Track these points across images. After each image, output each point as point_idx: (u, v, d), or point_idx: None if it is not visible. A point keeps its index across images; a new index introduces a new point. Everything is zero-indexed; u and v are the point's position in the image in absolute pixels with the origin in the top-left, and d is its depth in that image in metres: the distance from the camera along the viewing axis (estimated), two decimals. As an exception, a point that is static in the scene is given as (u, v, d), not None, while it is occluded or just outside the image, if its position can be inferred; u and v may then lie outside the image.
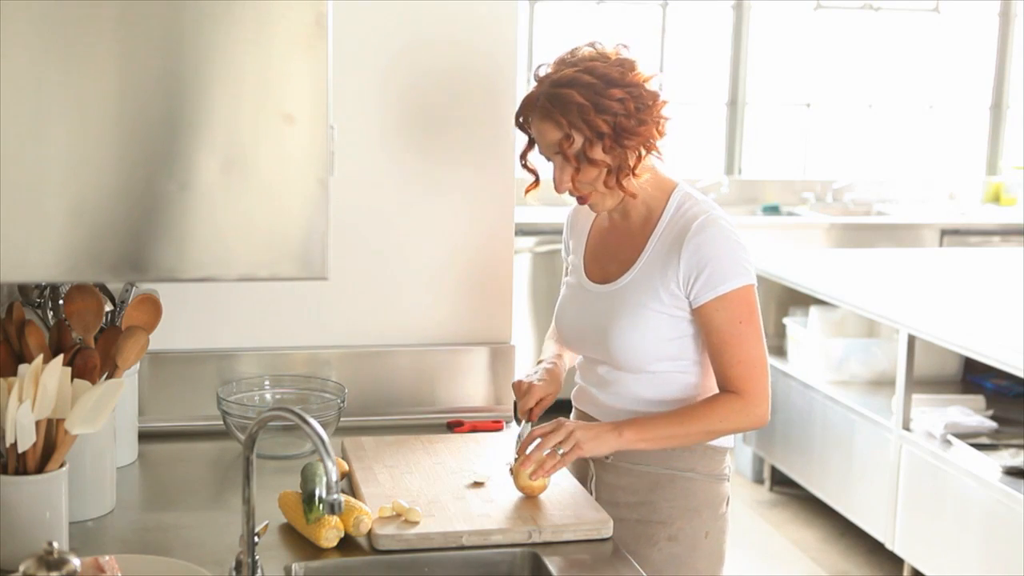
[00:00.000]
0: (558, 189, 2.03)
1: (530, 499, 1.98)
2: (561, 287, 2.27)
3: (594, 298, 2.12)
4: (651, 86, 1.99)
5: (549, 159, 2.05)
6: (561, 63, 2.01)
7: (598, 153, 1.97)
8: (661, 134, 2.01)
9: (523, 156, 2.10)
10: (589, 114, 1.94)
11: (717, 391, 2.06)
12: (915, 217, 6.54)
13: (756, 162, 6.95)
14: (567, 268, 2.27)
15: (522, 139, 2.12)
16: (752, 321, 2.01)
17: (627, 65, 1.99)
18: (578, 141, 1.96)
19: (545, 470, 1.97)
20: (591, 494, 2.09)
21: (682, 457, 2.09)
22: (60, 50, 1.30)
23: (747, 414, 2.01)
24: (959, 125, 7.23)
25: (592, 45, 2.02)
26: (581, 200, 2.06)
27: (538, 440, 1.99)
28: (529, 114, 2.03)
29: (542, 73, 2.02)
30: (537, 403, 2.13)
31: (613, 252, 2.13)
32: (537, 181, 2.11)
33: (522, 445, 2.01)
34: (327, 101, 1.38)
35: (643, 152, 2.01)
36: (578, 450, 1.98)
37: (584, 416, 2.19)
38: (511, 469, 2.03)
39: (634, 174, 2.01)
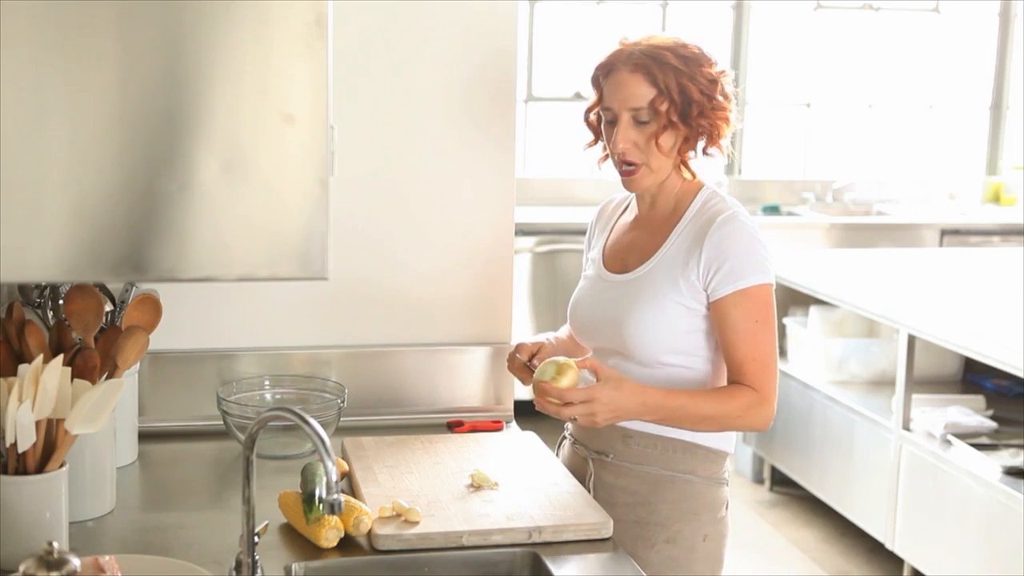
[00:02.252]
0: (615, 148, 2.04)
1: (530, 497, 1.98)
2: (579, 282, 2.27)
3: (611, 287, 2.13)
4: (728, 89, 2.07)
5: (613, 119, 2.05)
6: (652, 36, 2.07)
7: (679, 119, 2.01)
8: (724, 133, 2.08)
9: (588, 112, 2.15)
10: (684, 79, 2.00)
11: None
12: (915, 217, 6.54)
13: (756, 162, 6.95)
14: (586, 264, 2.28)
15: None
16: (768, 321, 2.02)
17: (716, 61, 2.07)
18: (665, 103, 2.00)
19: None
20: (589, 493, 2.09)
21: (682, 459, 2.09)
22: (60, 50, 1.30)
23: (759, 412, 2.02)
24: (959, 125, 7.23)
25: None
26: (629, 169, 2.05)
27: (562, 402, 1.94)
28: (615, 66, 2.04)
29: (628, 40, 2.07)
30: (531, 357, 2.14)
31: (634, 244, 2.15)
32: (597, 140, 2.15)
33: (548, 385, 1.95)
34: (327, 101, 1.38)
35: (709, 138, 2.07)
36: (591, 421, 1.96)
37: None
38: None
39: (706, 152, 2.08)
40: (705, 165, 2.14)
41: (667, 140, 2.03)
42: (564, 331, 2.34)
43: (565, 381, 1.94)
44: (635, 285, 2.09)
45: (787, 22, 6.89)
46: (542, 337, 2.25)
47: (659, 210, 2.13)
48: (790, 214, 6.63)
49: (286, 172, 1.38)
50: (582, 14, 6.49)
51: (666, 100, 2.00)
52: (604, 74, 2.07)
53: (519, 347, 2.17)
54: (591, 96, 2.14)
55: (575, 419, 1.96)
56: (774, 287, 2.05)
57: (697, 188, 2.11)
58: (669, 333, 2.05)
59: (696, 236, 2.04)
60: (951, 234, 6.36)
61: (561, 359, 1.98)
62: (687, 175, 2.10)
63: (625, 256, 2.15)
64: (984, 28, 7.14)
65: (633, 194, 2.20)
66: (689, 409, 2.00)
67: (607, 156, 2.14)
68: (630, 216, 2.20)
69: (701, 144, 2.08)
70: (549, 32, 6.43)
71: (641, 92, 2.01)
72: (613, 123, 2.05)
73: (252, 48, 1.35)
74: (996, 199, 7.14)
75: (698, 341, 2.07)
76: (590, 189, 6.16)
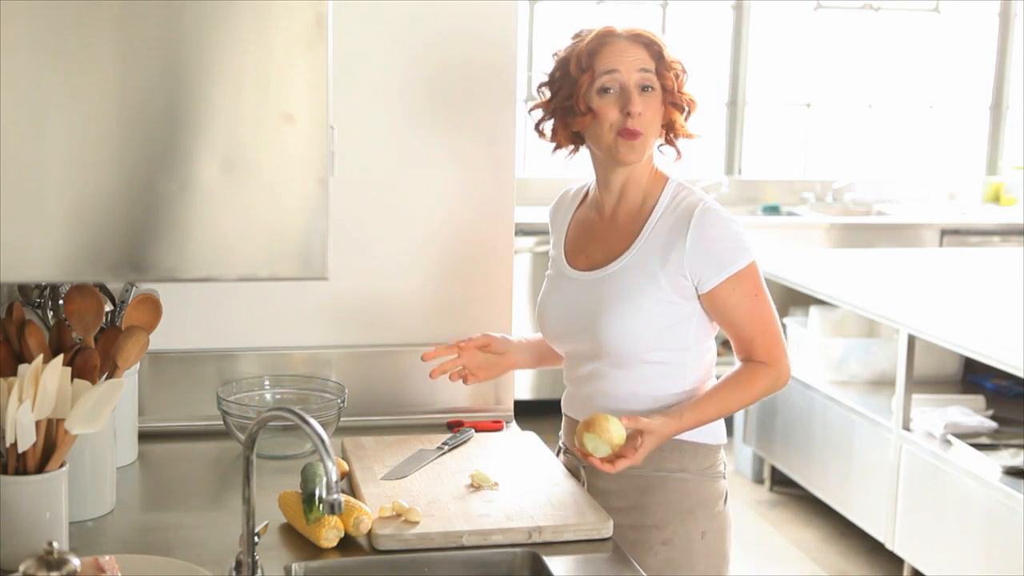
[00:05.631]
0: (633, 110, 2.02)
1: (530, 497, 1.98)
2: (544, 283, 2.25)
3: (582, 286, 2.11)
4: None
5: (615, 86, 2.03)
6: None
7: (673, 88, 2.06)
8: (692, 115, 2.13)
9: (545, 118, 2.14)
10: (672, 58, 2.07)
11: (709, 383, 2.09)
12: (915, 217, 6.54)
13: (756, 162, 6.95)
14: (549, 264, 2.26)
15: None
16: (763, 291, 2.07)
17: None
18: (665, 71, 2.05)
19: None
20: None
21: (672, 457, 2.08)
22: (60, 50, 1.30)
23: (776, 380, 2.08)
24: (959, 125, 7.23)
25: None
26: (633, 135, 2.03)
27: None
28: (609, 39, 2.06)
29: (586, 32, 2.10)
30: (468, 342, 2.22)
31: (601, 240, 2.12)
32: (563, 143, 2.14)
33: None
34: (327, 101, 1.38)
35: (686, 119, 2.11)
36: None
37: (574, 423, 2.16)
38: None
39: (677, 138, 2.12)
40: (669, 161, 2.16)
41: (665, 108, 2.07)
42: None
43: (616, 439, 1.94)
44: (609, 282, 2.07)
45: (787, 22, 6.89)
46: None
47: (628, 203, 2.11)
48: (790, 214, 6.63)
49: (286, 172, 1.38)
50: (582, 14, 6.48)
51: (666, 70, 2.06)
52: (597, 46, 2.06)
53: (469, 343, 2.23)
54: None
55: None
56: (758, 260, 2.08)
57: (663, 180, 2.11)
58: (649, 330, 2.04)
59: (674, 229, 2.04)
60: (951, 234, 6.36)
61: (598, 421, 1.94)
62: (661, 160, 2.11)
63: (591, 253, 2.13)
64: (984, 28, 7.14)
65: (589, 185, 2.20)
66: (719, 411, 2.07)
67: (576, 150, 2.15)
68: (590, 211, 2.18)
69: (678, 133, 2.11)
70: (549, 32, 6.43)
71: (645, 58, 2.05)
72: (610, 92, 2.04)
73: (252, 48, 1.35)
74: (996, 199, 7.14)
75: (679, 334, 2.06)
76: (590, 189, 6.15)
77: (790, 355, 2.10)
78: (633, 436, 1.97)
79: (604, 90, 2.04)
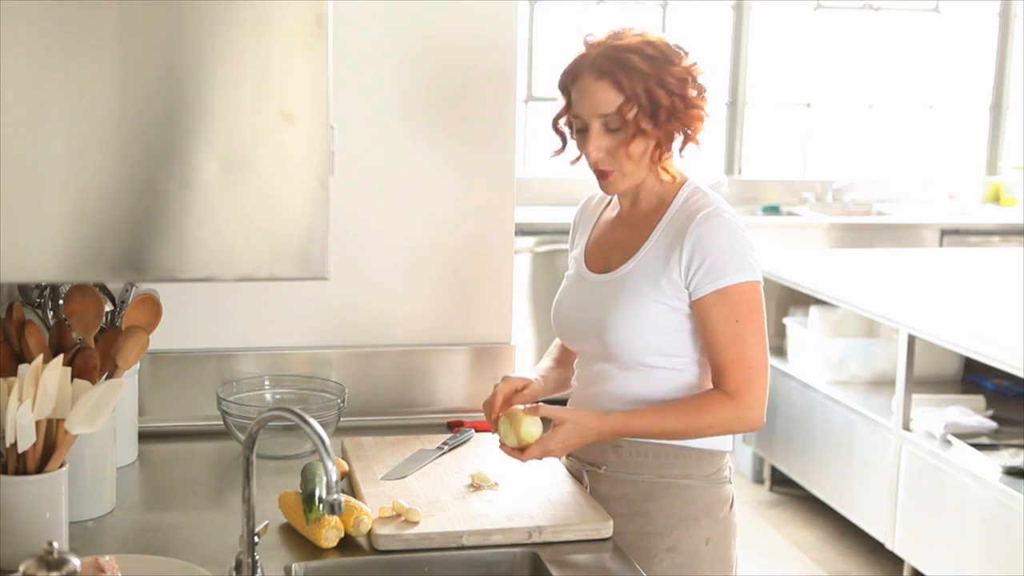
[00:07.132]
0: (590, 157, 1.99)
1: (530, 497, 1.98)
2: (562, 282, 2.23)
3: (593, 288, 2.09)
4: (701, 80, 2.01)
5: (583, 126, 2.00)
6: (617, 35, 2.02)
7: (649, 124, 1.96)
8: (700, 128, 2.02)
9: (556, 120, 2.09)
10: (650, 83, 1.95)
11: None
12: (915, 217, 6.54)
13: (756, 162, 6.95)
14: (569, 263, 2.24)
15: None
16: (752, 320, 1.96)
17: (684, 52, 2.01)
18: (633, 109, 1.95)
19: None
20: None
21: (677, 463, 2.05)
22: (60, 50, 1.30)
23: (738, 418, 1.97)
24: (959, 125, 7.23)
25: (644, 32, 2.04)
26: (602, 175, 2.02)
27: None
28: (579, 73, 1.99)
29: (592, 40, 2.02)
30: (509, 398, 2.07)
31: (617, 242, 2.10)
32: (564, 147, 2.10)
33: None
34: (327, 101, 1.38)
35: (684, 137, 2.02)
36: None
37: None
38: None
39: (682, 153, 2.03)
40: (693, 161, 2.09)
41: (638, 146, 1.97)
42: (550, 355, 2.28)
43: (524, 435, 1.96)
44: (616, 285, 2.04)
45: (787, 22, 6.89)
46: (529, 374, 2.17)
47: (642, 207, 2.08)
48: (790, 214, 6.64)
49: (286, 172, 1.38)
50: (582, 14, 6.49)
51: (634, 106, 1.94)
52: (571, 80, 2.01)
53: (504, 384, 2.08)
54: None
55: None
56: (761, 284, 2.00)
57: (680, 183, 2.06)
58: (652, 334, 2.00)
59: (677, 233, 1.99)
60: (951, 234, 6.36)
61: (518, 413, 1.98)
62: (666, 177, 2.04)
63: (607, 255, 2.10)
64: (984, 28, 7.14)
65: None
66: (654, 428, 1.99)
67: (580, 156, 2.10)
68: (614, 212, 2.15)
69: (677, 144, 2.03)
70: (549, 32, 6.43)
71: (609, 98, 1.95)
72: (584, 131, 2.00)
73: (252, 48, 1.35)
74: (996, 199, 7.15)
75: (683, 341, 2.01)
76: (590, 189, 6.15)
77: (769, 392, 1.99)
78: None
79: (578, 127, 2.02)
